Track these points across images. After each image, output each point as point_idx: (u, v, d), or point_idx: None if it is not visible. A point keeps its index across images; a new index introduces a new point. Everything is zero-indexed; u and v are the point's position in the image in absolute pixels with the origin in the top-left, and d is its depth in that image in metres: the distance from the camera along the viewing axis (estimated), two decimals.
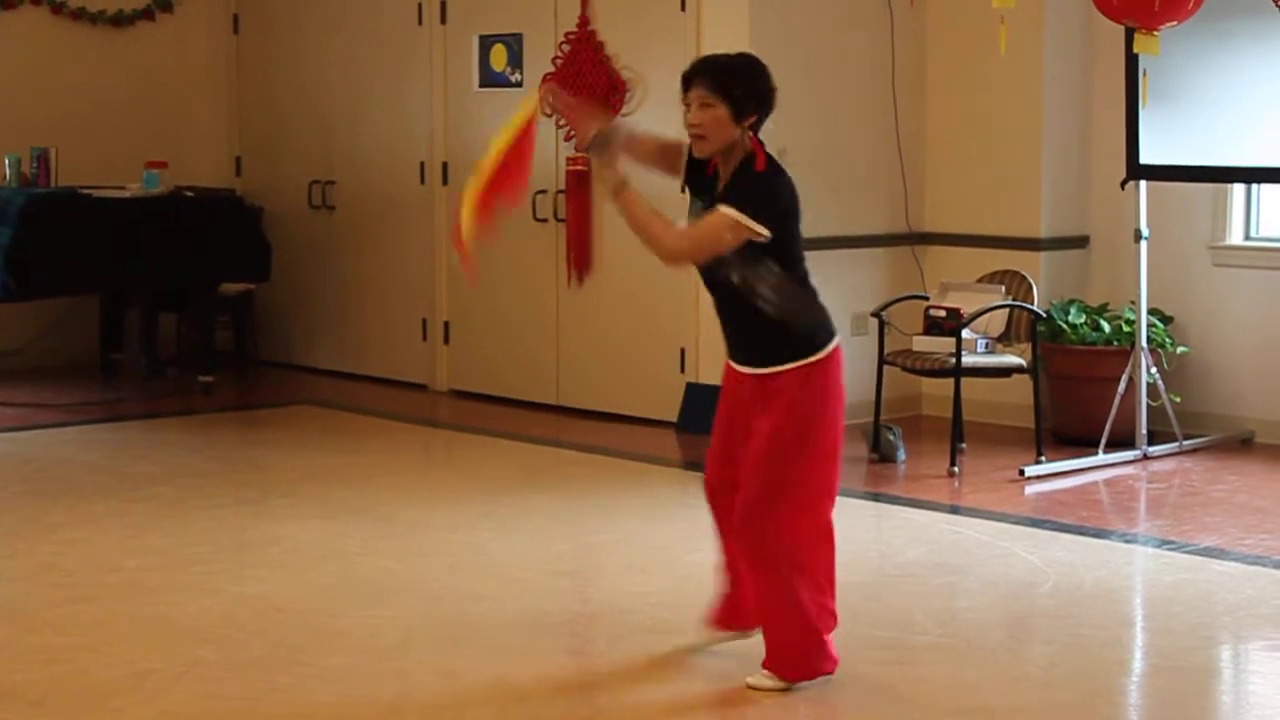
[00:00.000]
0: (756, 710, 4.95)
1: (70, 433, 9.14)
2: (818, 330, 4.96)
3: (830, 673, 5.03)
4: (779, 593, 4.93)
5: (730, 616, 5.33)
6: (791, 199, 4.95)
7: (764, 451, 4.90)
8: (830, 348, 4.96)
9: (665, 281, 9.27)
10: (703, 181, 5.03)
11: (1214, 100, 8.37)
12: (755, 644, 5.13)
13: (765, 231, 4.83)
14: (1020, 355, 8.47)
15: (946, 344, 8.24)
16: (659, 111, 9.24)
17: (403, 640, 5.55)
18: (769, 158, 4.94)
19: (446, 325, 10.45)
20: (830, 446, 4.98)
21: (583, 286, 9.54)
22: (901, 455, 8.38)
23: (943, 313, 8.35)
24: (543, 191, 9.63)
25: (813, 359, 4.92)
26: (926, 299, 8.67)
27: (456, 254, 5.19)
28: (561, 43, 9.54)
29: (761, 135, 5.00)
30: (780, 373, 4.93)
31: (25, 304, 10.44)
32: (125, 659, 5.36)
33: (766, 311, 4.90)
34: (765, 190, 4.89)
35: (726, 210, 4.83)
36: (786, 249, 4.91)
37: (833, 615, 5.05)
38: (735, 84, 4.89)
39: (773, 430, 4.91)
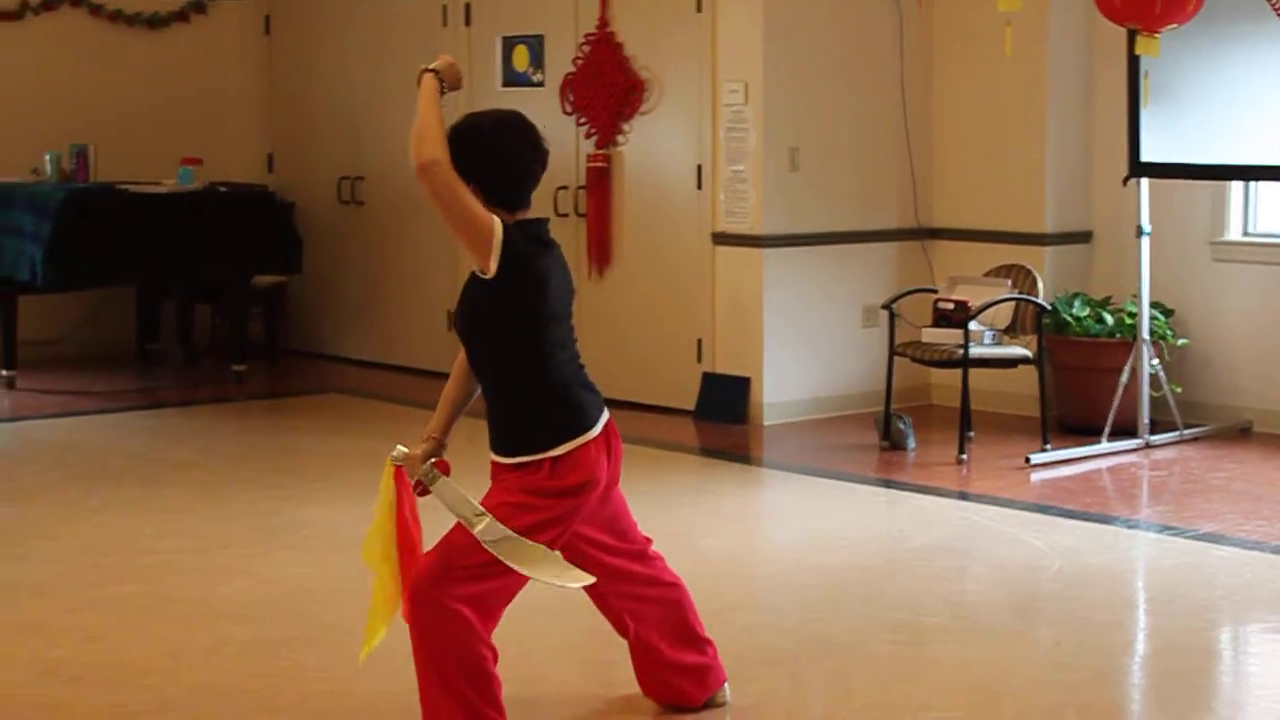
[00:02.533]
0: (767, 690, 5.03)
1: (108, 420, 9.26)
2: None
3: None
4: None
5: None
6: (526, 269, 4.45)
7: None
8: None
9: (682, 275, 9.45)
10: None
11: (1213, 100, 8.42)
12: (747, 629, 5.16)
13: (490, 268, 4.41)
14: (1026, 347, 8.52)
15: (955, 336, 8.31)
16: (675, 108, 9.49)
17: None
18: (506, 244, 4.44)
19: None
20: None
21: (602, 279, 9.76)
22: (912, 443, 8.49)
23: (951, 305, 8.42)
24: (564, 187, 9.78)
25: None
26: (935, 292, 8.76)
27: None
28: (581, 43, 9.70)
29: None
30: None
31: (65, 295, 10.61)
32: (159, 638, 5.49)
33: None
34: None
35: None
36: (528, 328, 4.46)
37: None
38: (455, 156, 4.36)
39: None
